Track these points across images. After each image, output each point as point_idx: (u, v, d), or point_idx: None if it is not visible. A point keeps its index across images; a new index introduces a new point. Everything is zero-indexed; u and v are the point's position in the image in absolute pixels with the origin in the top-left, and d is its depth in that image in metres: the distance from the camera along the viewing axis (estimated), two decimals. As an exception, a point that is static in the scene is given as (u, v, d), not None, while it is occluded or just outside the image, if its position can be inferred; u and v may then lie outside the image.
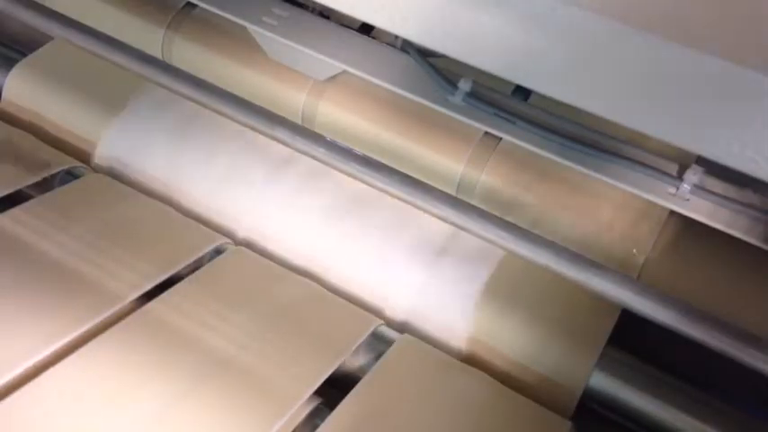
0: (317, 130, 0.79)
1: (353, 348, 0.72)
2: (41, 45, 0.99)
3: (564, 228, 0.79)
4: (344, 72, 0.83)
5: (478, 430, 0.68)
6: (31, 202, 0.81)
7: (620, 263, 0.77)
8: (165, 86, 0.82)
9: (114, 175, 0.89)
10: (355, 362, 0.73)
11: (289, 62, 0.88)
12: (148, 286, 0.74)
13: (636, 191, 0.72)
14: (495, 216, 0.70)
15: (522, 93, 0.80)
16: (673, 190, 0.71)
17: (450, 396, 0.70)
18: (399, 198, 0.72)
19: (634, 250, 0.78)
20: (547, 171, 0.81)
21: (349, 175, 0.74)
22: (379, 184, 0.72)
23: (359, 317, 0.76)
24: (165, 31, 0.95)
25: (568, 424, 0.69)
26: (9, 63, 0.97)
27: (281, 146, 0.77)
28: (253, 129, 0.77)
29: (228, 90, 0.79)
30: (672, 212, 0.75)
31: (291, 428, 0.65)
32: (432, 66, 0.77)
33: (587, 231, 0.79)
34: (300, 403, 0.66)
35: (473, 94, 0.76)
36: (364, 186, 0.74)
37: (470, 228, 0.70)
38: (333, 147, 0.74)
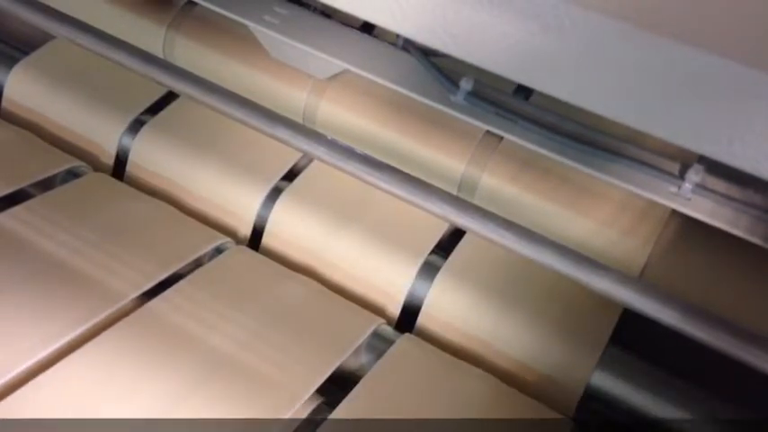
0: (318, 129, 0.79)
1: (355, 347, 0.72)
2: (42, 44, 0.99)
3: (566, 227, 0.79)
4: (346, 71, 0.83)
5: (480, 429, 0.68)
6: (32, 200, 0.81)
7: (622, 262, 0.77)
8: (166, 85, 0.82)
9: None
10: (356, 361, 0.73)
11: (290, 61, 0.87)
12: (149, 285, 0.74)
13: (637, 190, 0.72)
14: (497, 215, 0.70)
15: (524, 92, 0.80)
16: (674, 189, 0.71)
17: (452, 395, 0.70)
18: (400, 197, 0.72)
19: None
20: (548, 170, 0.81)
21: (350, 174, 0.74)
22: (381, 184, 0.72)
23: (360, 316, 0.76)
24: (166, 29, 0.95)
25: (570, 423, 0.69)
26: (10, 62, 0.97)
27: (282, 144, 0.77)
28: (253, 127, 0.77)
29: (229, 89, 0.79)
30: (674, 212, 0.75)
31: (293, 428, 0.65)
32: (433, 65, 0.77)
33: (589, 230, 0.79)
34: (302, 402, 0.66)
35: (474, 94, 0.76)
36: (365, 185, 0.74)
37: (472, 227, 0.69)
38: (334, 146, 0.74)
